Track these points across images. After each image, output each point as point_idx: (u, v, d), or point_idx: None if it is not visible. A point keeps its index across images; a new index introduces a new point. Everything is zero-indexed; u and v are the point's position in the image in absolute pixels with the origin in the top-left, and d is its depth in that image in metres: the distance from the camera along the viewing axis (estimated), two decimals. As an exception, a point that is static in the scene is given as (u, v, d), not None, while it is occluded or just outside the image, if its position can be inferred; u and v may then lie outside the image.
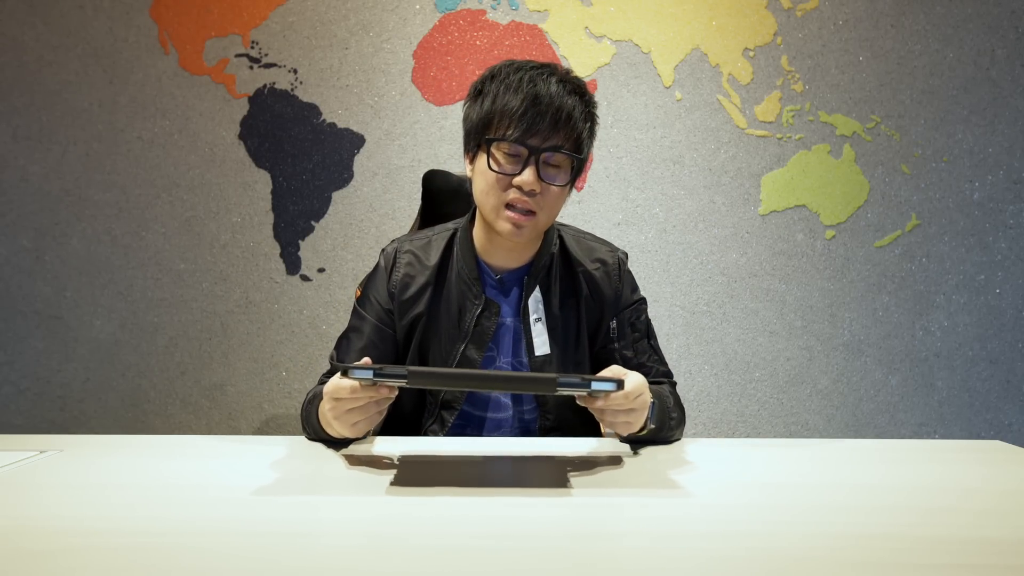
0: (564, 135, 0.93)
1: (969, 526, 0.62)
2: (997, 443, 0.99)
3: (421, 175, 1.34)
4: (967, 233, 1.94)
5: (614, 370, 0.84)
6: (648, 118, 1.93)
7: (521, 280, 1.05)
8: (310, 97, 1.91)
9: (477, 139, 0.96)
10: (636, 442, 0.94)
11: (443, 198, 1.30)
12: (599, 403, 0.78)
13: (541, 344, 1.03)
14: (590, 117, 0.97)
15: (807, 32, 1.92)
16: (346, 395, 0.76)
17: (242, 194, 1.91)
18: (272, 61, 1.90)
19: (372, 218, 1.92)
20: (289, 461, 0.83)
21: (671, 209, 1.94)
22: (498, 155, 0.93)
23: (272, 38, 1.90)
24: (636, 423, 0.82)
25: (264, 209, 1.92)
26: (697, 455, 0.89)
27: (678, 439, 1.00)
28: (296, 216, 1.92)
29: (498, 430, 1.07)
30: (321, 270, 1.92)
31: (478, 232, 1.04)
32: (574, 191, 1.87)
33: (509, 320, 1.05)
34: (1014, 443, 1.00)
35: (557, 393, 0.71)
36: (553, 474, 0.78)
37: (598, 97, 1.88)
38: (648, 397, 0.83)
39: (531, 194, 0.93)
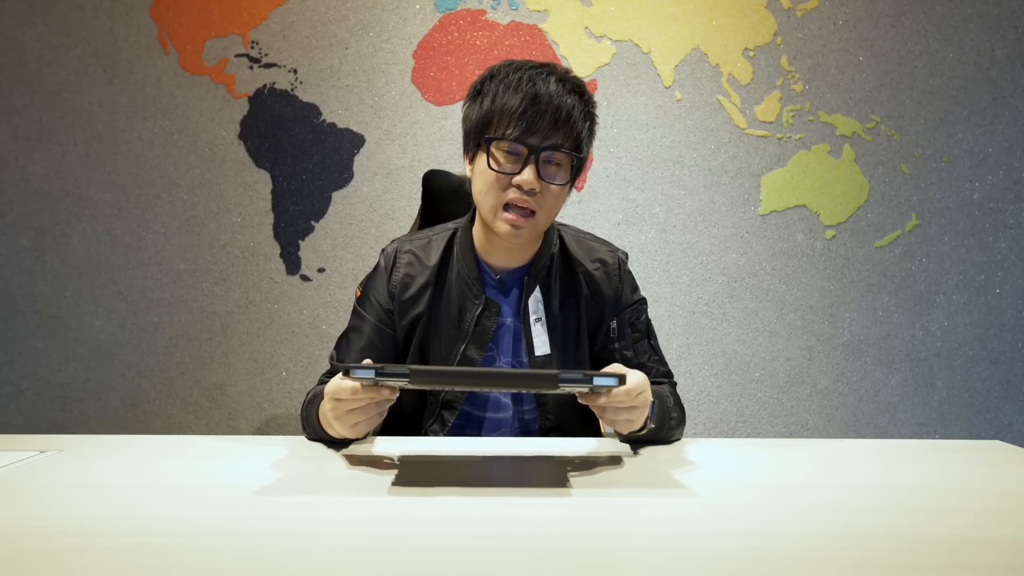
0: (564, 134, 0.93)
1: (969, 526, 0.62)
2: (997, 443, 0.99)
3: (421, 175, 1.34)
4: (967, 233, 1.94)
5: (615, 367, 0.84)
6: (648, 118, 1.93)
7: (521, 280, 1.05)
8: (310, 97, 1.91)
9: (477, 139, 0.96)
10: (636, 442, 0.94)
11: (443, 198, 1.30)
12: (601, 400, 0.78)
13: (541, 344, 1.03)
14: (589, 116, 0.97)
15: (807, 32, 1.92)
16: (347, 396, 0.76)
17: (242, 194, 1.91)
18: (272, 61, 1.90)
19: (372, 218, 1.92)
20: (289, 461, 0.83)
21: (671, 209, 1.94)
22: (498, 154, 0.93)
23: (272, 38, 1.90)
24: (638, 420, 0.82)
25: (264, 209, 1.92)
26: (697, 455, 0.89)
27: (678, 439, 1.00)
28: (296, 216, 1.92)
29: (498, 430, 1.07)
30: (321, 270, 1.92)
31: (478, 232, 1.04)
32: (574, 191, 1.88)
33: (509, 320, 1.05)
34: (1014, 443, 1.00)
35: (559, 389, 0.70)
36: (553, 474, 0.78)
37: (598, 97, 1.89)
38: (649, 395, 0.83)
39: (531, 193, 0.93)
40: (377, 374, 0.69)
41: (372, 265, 1.12)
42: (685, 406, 1.08)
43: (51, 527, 0.59)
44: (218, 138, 1.90)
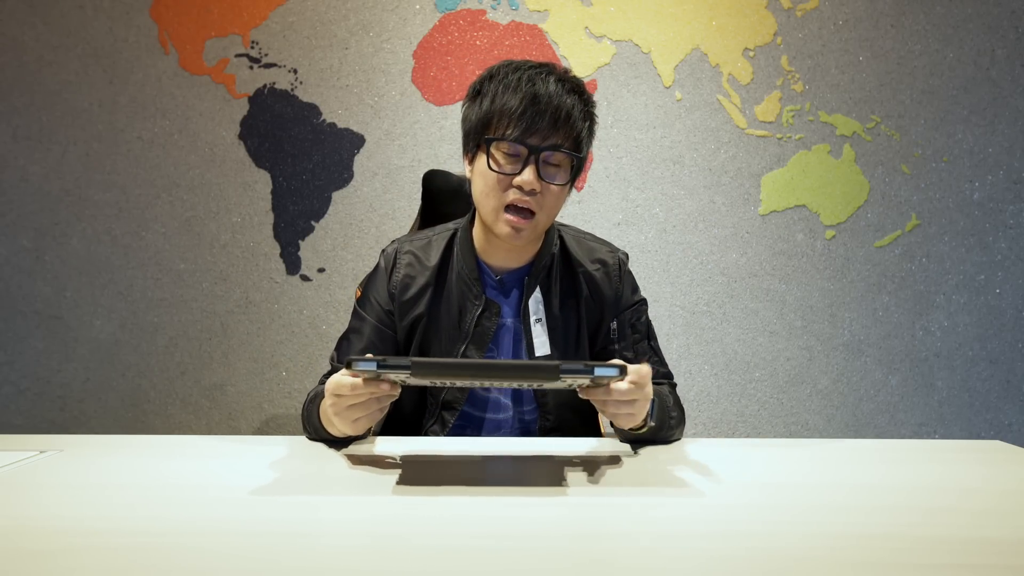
0: (563, 134, 0.93)
1: (969, 526, 0.62)
2: (997, 443, 0.99)
3: (421, 175, 1.34)
4: (967, 233, 1.94)
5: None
6: (648, 118, 1.93)
7: (521, 281, 1.05)
8: (310, 97, 1.91)
9: (476, 139, 0.95)
10: (636, 442, 0.94)
11: (443, 198, 1.30)
12: (601, 393, 0.77)
13: (541, 345, 1.03)
14: (589, 116, 0.97)
15: (807, 32, 1.92)
16: (347, 391, 0.76)
17: (242, 194, 1.91)
18: (272, 61, 1.90)
19: (372, 218, 1.92)
20: (289, 461, 0.83)
21: (671, 209, 1.94)
22: (497, 155, 0.93)
23: (272, 38, 1.90)
24: (639, 414, 0.81)
25: (264, 209, 1.92)
26: (697, 455, 0.89)
27: (678, 439, 1.00)
28: (296, 216, 1.92)
29: (498, 431, 1.07)
30: (321, 270, 1.92)
31: (478, 232, 1.04)
32: (574, 191, 1.88)
33: (509, 321, 1.05)
34: (1014, 443, 1.00)
35: (560, 380, 0.70)
36: (553, 474, 0.78)
37: (598, 97, 1.89)
38: (650, 389, 0.83)
39: (531, 193, 0.93)
40: (379, 366, 0.69)
41: (372, 265, 1.12)
42: (685, 406, 1.08)
43: (51, 527, 0.59)
44: (218, 138, 1.90)
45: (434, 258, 1.05)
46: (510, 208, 0.94)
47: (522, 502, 0.67)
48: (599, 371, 0.70)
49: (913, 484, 0.76)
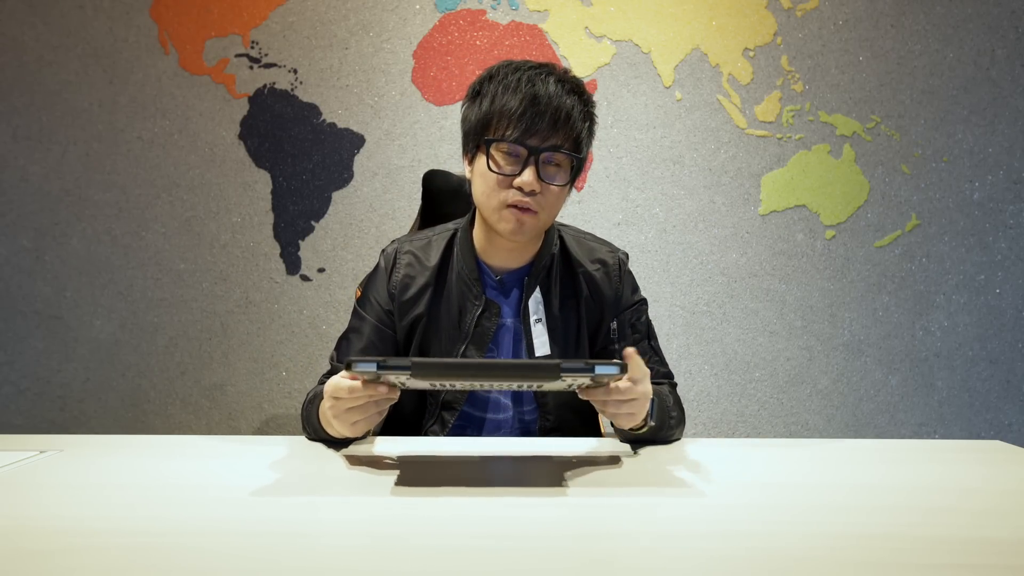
0: (563, 135, 0.92)
1: (969, 526, 0.62)
2: (997, 443, 0.99)
3: (421, 175, 1.34)
4: (967, 233, 1.94)
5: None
6: (648, 118, 1.93)
7: (521, 281, 1.05)
8: (310, 97, 1.91)
9: (476, 140, 0.95)
10: (636, 442, 0.94)
11: (443, 198, 1.30)
12: (601, 393, 0.77)
13: (541, 345, 1.03)
14: (589, 116, 0.97)
15: (807, 32, 1.92)
16: (345, 394, 0.76)
17: (242, 194, 1.91)
18: (272, 61, 1.90)
19: (372, 218, 1.92)
20: (289, 461, 0.83)
21: (671, 209, 1.94)
22: (497, 156, 0.93)
23: (272, 38, 1.90)
24: (639, 414, 0.81)
25: (264, 209, 1.92)
26: (697, 455, 0.89)
27: (678, 439, 1.00)
28: (296, 216, 1.92)
29: (498, 431, 1.07)
30: (321, 270, 1.92)
31: (478, 233, 1.04)
32: (574, 191, 1.88)
33: (509, 321, 1.05)
34: (1014, 443, 1.00)
35: (561, 379, 0.70)
36: (553, 474, 0.78)
37: (598, 97, 1.89)
38: (650, 388, 0.83)
39: (531, 194, 0.93)
40: (379, 367, 0.69)
41: (372, 265, 1.12)
42: (685, 406, 1.08)
43: (51, 527, 0.59)
44: (218, 138, 1.90)
45: (434, 258, 1.05)
46: (511, 205, 0.94)
47: (522, 502, 0.67)
48: (599, 369, 0.70)
49: (913, 484, 0.76)
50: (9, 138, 1.89)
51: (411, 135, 1.91)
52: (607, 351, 1.07)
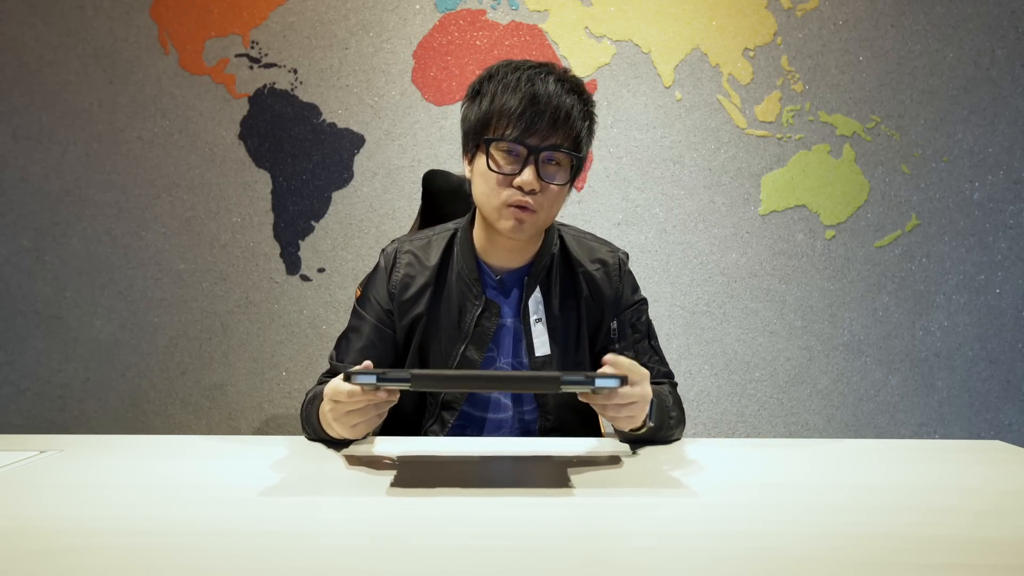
0: (563, 134, 0.92)
1: (969, 526, 0.62)
2: (997, 443, 0.99)
3: (421, 175, 1.34)
4: (967, 233, 1.94)
5: (610, 357, 0.81)
6: (648, 118, 1.93)
7: (521, 281, 1.05)
8: (310, 97, 1.91)
9: (476, 140, 0.95)
10: (636, 442, 0.94)
11: (443, 198, 1.30)
12: (601, 398, 0.78)
13: (541, 345, 1.03)
14: (588, 116, 0.97)
15: (807, 32, 1.92)
16: (344, 398, 0.76)
17: (242, 194, 1.91)
18: (272, 61, 1.90)
19: (372, 218, 1.92)
20: (289, 461, 0.83)
21: (671, 209, 1.94)
22: (497, 155, 0.93)
23: (272, 38, 1.90)
24: (639, 417, 0.82)
25: (264, 209, 1.92)
26: (697, 455, 0.89)
27: (678, 439, 1.00)
28: (296, 216, 1.92)
29: (498, 431, 1.07)
30: (321, 270, 1.92)
31: (478, 232, 1.04)
32: (574, 191, 1.88)
33: (509, 321, 1.05)
34: (1014, 443, 1.00)
35: (561, 391, 0.70)
36: (553, 474, 0.78)
37: (598, 97, 1.89)
38: (649, 390, 0.83)
39: (531, 193, 0.93)
40: (378, 379, 0.69)
41: (372, 265, 1.12)
42: (685, 406, 1.08)
43: (51, 527, 0.59)
44: (218, 138, 1.90)
45: (434, 258, 1.05)
46: (511, 205, 0.94)
47: (522, 502, 0.67)
48: (600, 383, 0.70)
49: (913, 484, 0.76)
50: (9, 138, 1.89)
51: (411, 135, 1.91)
52: (607, 351, 1.07)
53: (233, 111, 1.90)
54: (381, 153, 1.91)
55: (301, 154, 1.91)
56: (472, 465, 0.84)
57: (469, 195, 1.01)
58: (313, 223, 1.92)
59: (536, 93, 0.90)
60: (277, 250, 1.92)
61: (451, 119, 1.91)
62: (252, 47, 1.89)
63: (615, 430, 0.92)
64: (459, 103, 1.90)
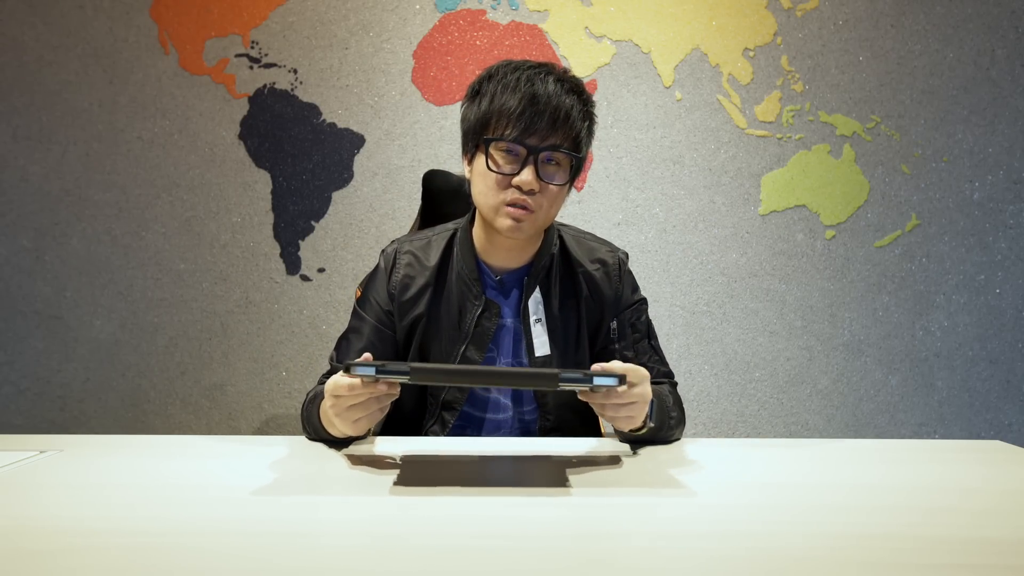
0: (562, 134, 0.92)
1: (969, 526, 0.62)
2: (997, 443, 0.99)
3: (421, 175, 1.34)
4: (967, 233, 1.94)
5: (613, 365, 0.82)
6: (648, 118, 1.93)
7: (521, 281, 1.05)
8: (310, 97, 1.91)
9: (475, 140, 0.95)
10: (636, 442, 0.94)
11: (443, 198, 1.30)
12: (600, 397, 0.78)
13: (541, 345, 1.03)
14: (588, 116, 0.96)
15: (807, 32, 1.92)
16: (345, 392, 0.76)
17: (242, 194, 1.91)
18: (272, 61, 1.90)
19: (372, 218, 1.92)
20: (289, 461, 0.83)
21: (671, 209, 1.94)
22: (496, 155, 0.93)
23: (272, 38, 1.90)
24: (638, 417, 0.82)
25: (264, 209, 1.92)
26: (697, 455, 0.89)
27: (678, 439, 1.00)
28: (296, 216, 1.92)
29: (498, 431, 1.07)
30: (321, 270, 1.92)
31: (478, 233, 1.04)
32: (574, 191, 1.88)
33: (509, 321, 1.05)
34: (1014, 443, 1.00)
35: (559, 388, 0.70)
36: (553, 474, 0.78)
37: (598, 97, 1.89)
38: (649, 391, 0.83)
39: (530, 193, 0.93)
40: (378, 371, 0.69)
41: (372, 265, 1.12)
42: (685, 406, 1.08)
43: (51, 527, 0.59)
44: (218, 138, 1.90)
45: (434, 258, 1.05)
46: (510, 204, 0.94)
47: (522, 502, 0.67)
48: (598, 380, 0.70)
49: (913, 484, 0.76)
50: (9, 138, 1.89)
51: (411, 135, 1.91)
52: (607, 351, 1.07)
53: (233, 111, 1.90)
54: (381, 153, 1.91)
55: (301, 154, 1.91)
56: (472, 465, 0.84)
57: (469, 195, 1.01)
58: (313, 223, 1.92)
59: (536, 93, 0.90)
60: (277, 250, 1.92)
61: (451, 119, 1.91)
62: (252, 47, 1.90)
63: (615, 430, 0.92)
64: (459, 103, 1.90)
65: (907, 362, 1.95)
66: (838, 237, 1.94)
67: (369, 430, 0.86)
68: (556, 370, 0.70)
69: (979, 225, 1.94)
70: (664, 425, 0.94)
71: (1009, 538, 0.59)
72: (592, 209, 1.93)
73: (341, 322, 1.88)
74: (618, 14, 1.91)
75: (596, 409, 0.81)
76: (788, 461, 0.86)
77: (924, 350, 1.94)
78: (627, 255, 1.13)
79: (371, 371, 0.69)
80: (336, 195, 1.92)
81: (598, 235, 1.15)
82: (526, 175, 0.91)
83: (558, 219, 1.06)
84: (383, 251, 1.09)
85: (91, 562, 0.52)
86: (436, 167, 1.40)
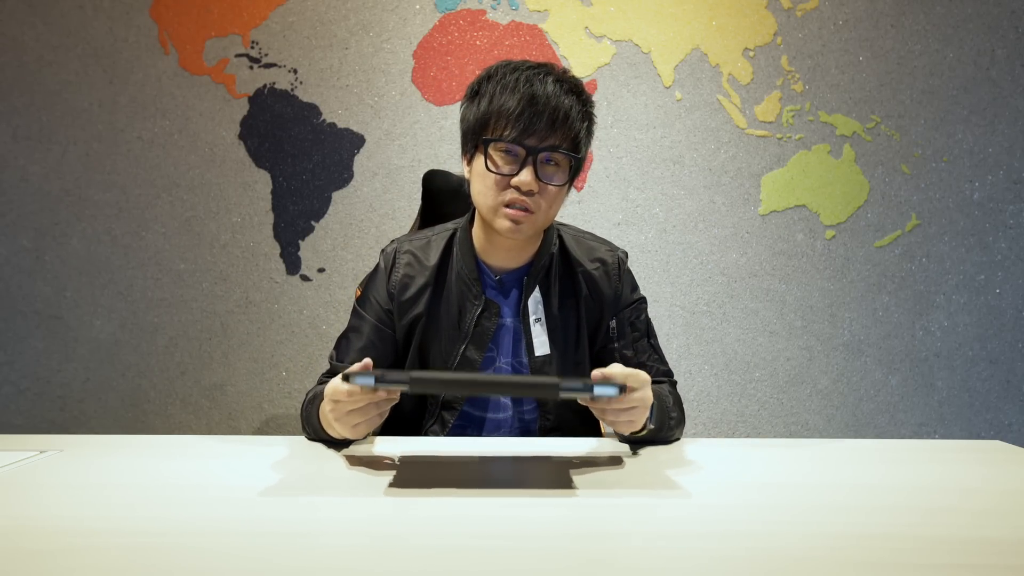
0: (561, 135, 0.92)
1: (969, 526, 0.62)
2: (997, 443, 0.99)
3: (421, 175, 1.34)
4: (967, 233, 1.94)
5: (614, 368, 0.82)
6: (648, 118, 1.93)
7: (521, 280, 1.05)
8: (310, 97, 1.91)
9: (474, 140, 0.95)
10: (636, 442, 0.94)
11: (443, 198, 1.30)
12: (601, 402, 0.78)
13: (541, 345, 1.03)
14: (587, 116, 0.96)
15: (807, 32, 1.92)
16: (344, 397, 0.76)
17: (242, 194, 1.91)
18: (272, 61, 1.90)
19: (372, 218, 1.92)
20: (289, 461, 0.83)
21: (671, 209, 1.94)
22: (495, 156, 0.93)
23: (272, 38, 1.90)
24: (638, 421, 0.82)
25: (264, 209, 1.92)
26: (697, 455, 0.89)
27: (678, 439, 1.00)
28: (296, 216, 1.92)
29: (498, 431, 1.07)
30: (321, 270, 1.92)
31: (477, 232, 1.04)
32: (574, 191, 1.88)
33: (509, 321, 1.05)
34: (1014, 443, 1.00)
35: (560, 398, 0.70)
36: (553, 474, 0.78)
37: (598, 97, 1.89)
38: (650, 395, 0.83)
39: (529, 194, 0.93)
40: (377, 381, 0.68)
41: (372, 265, 1.12)
42: (685, 406, 1.08)
43: (51, 527, 0.59)
44: (218, 138, 1.90)
45: (433, 258, 1.05)
46: (509, 204, 0.94)
47: (522, 502, 0.67)
48: (599, 391, 0.70)
49: (913, 484, 0.76)
50: (9, 138, 1.89)
51: (411, 135, 1.91)
52: (607, 350, 1.07)
53: (233, 111, 1.90)
54: (381, 153, 1.91)
55: (301, 154, 1.91)
56: (472, 465, 0.84)
57: (469, 195, 1.01)
58: (313, 223, 1.92)
59: (535, 94, 0.90)
60: (277, 250, 1.92)
61: (451, 119, 1.91)
62: (252, 47, 1.89)
63: (615, 431, 0.92)
64: (459, 103, 1.90)
65: (907, 362, 1.95)
66: (838, 237, 1.94)
67: (368, 433, 0.86)
68: (557, 379, 0.69)
69: (979, 225, 1.93)
70: (664, 426, 0.94)
71: (1009, 538, 0.59)
72: (592, 209, 1.93)
73: (341, 322, 1.88)
74: (618, 14, 1.91)
75: (596, 414, 0.81)
76: (788, 461, 0.86)
77: (924, 350, 1.94)
78: (626, 254, 1.13)
79: (370, 381, 0.68)
80: (336, 195, 1.92)
81: (598, 235, 1.15)
82: (525, 176, 0.91)
83: (558, 219, 1.06)
84: (383, 251, 1.09)
85: (91, 562, 0.52)
86: (436, 167, 1.40)
